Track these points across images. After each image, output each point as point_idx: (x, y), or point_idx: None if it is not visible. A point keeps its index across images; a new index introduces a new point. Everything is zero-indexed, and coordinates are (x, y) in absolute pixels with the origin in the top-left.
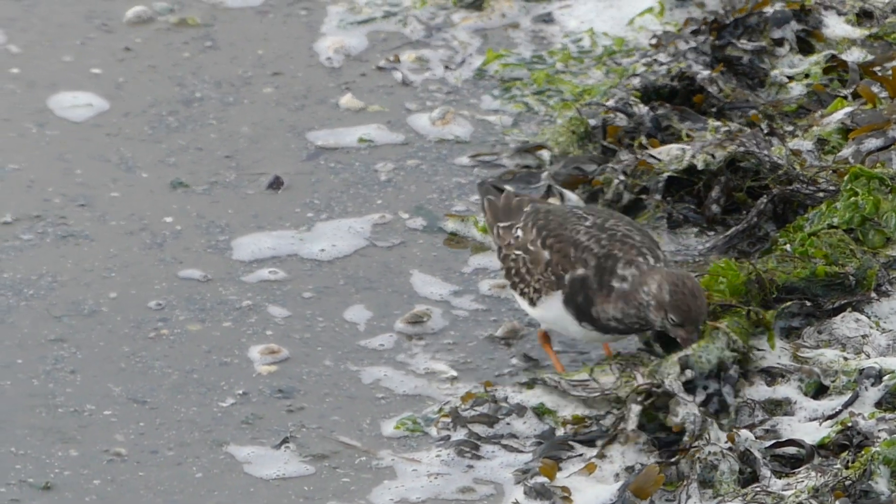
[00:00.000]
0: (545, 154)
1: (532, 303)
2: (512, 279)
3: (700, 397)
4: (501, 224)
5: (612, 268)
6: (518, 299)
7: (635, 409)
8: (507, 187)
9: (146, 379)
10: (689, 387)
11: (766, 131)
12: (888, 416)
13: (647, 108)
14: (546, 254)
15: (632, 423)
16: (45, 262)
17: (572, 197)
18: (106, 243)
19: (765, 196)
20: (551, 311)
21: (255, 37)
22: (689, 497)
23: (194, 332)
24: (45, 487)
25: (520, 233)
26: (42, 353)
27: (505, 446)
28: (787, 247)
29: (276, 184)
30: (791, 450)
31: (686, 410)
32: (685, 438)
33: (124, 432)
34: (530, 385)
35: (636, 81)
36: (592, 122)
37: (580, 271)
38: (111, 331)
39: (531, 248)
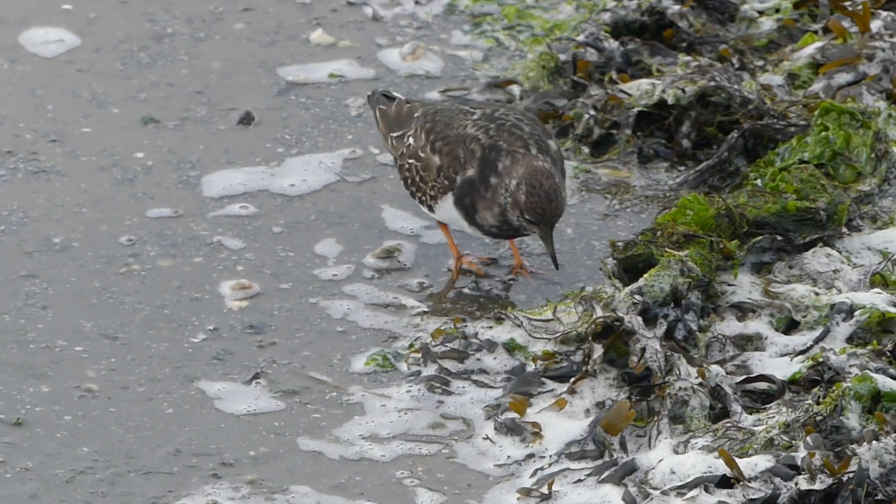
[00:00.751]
0: (515, 89)
1: (431, 210)
2: (409, 188)
3: (661, 329)
4: (394, 134)
5: (495, 162)
6: (420, 206)
7: (598, 348)
8: (398, 95)
9: (117, 314)
10: (650, 318)
11: (736, 66)
12: (859, 351)
13: (617, 42)
14: (436, 159)
15: (595, 362)
16: (17, 198)
17: None
18: (77, 179)
19: (735, 131)
20: (446, 213)
21: None
22: (659, 433)
23: (165, 267)
24: (17, 423)
25: (411, 140)
26: (13, 289)
27: (475, 382)
28: (758, 181)
29: (246, 119)
30: (762, 385)
31: (648, 346)
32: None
33: (95, 368)
34: (500, 320)
35: (606, 16)
36: (563, 57)
37: (469, 173)
38: (82, 266)
39: (422, 154)
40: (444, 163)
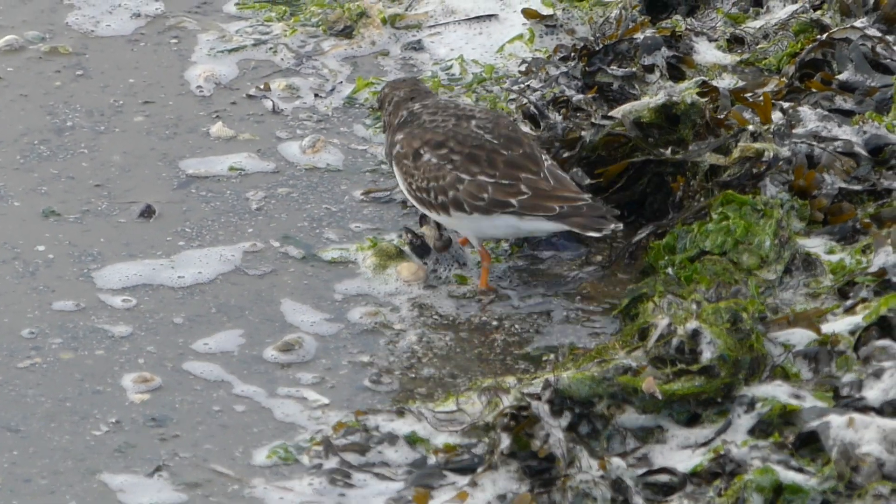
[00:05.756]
0: None
1: None
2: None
3: (566, 420)
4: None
5: None
6: None
7: (505, 438)
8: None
9: (19, 407)
10: (556, 410)
11: None
12: (761, 443)
13: None
14: None
15: (502, 452)
16: None
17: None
18: None
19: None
20: None
21: (126, 65)
22: None
23: (67, 360)
24: None
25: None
26: None
27: (377, 475)
28: (669, 271)
29: (147, 212)
30: (664, 478)
31: (552, 433)
32: (558, 466)
33: None
34: (401, 413)
35: (512, 107)
36: None
37: None
38: None
39: None
40: None
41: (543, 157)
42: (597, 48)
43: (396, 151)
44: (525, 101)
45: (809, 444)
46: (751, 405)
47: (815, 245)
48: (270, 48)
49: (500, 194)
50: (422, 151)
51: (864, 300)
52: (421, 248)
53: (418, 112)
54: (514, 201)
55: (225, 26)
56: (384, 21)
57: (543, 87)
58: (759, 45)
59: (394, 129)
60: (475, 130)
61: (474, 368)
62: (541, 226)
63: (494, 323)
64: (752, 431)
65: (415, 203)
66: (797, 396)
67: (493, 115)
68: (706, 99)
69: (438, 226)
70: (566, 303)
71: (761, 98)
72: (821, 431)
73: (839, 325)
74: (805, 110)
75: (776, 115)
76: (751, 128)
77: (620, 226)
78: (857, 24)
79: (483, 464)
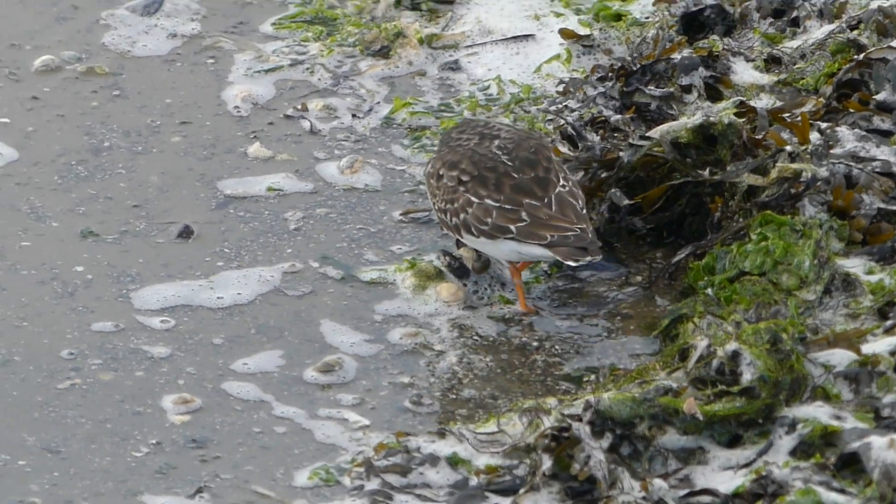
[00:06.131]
0: None
1: None
2: None
3: (607, 441)
4: None
5: None
6: None
7: (546, 459)
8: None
9: (60, 428)
10: (597, 431)
11: None
12: (802, 464)
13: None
14: None
15: (543, 473)
16: None
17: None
18: (17, 293)
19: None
20: None
21: (162, 85)
22: None
23: (107, 381)
24: None
25: None
26: None
27: (419, 496)
28: (709, 291)
29: (185, 233)
30: (705, 499)
31: (593, 454)
32: (599, 487)
33: (39, 482)
34: (443, 434)
35: (549, 127)
36: None
37: None
38: (24, 380)
39: None
40: None
41: (563, 179)
42: (634, 68)
43: (426, 171)
44: (562, 121)
45: (851, 465)
46: (792, 426)
47: (855, 265)
48: (307, 68)
49: (501, 220)
50: (441, 172)
51: None
52: (460, 270)
53: (455, 135)
54: (513, 227)
55: (262, 46)
56: (421, 41)
57: (581, 107)
58: (797, 65)
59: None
60: (493, 151)
61: (515, 389)
62: (536, 252)
63: (535, 344)
64: (793, 452)
65: (440, 223)
66: (838, 417)
67: (519, 135)
68: (743, 119)
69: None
70: (606, 323)
71: (799, 118)
72: (862, 452)
73: (879, 345)
74: (843, 130)
75: (814, 136)
76: (788, 148)
77: (599, 257)
78: (894, 44)
79: (524, 485)
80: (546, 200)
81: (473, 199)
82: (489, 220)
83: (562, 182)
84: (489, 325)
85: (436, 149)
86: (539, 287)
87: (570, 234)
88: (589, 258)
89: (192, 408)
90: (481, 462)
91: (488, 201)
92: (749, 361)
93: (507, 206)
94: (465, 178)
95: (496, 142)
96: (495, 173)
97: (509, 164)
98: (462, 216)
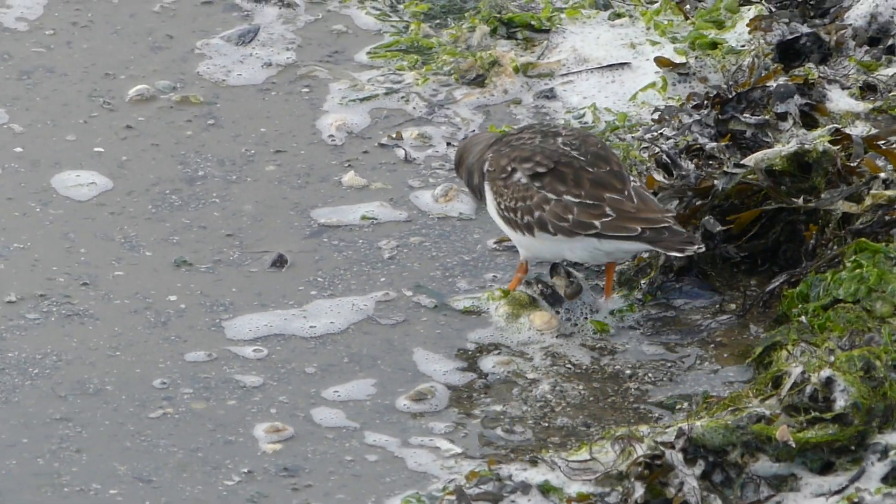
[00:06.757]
0: None
1: None
2: None
3: (699, 469)
4: None
5: None
6: None
7: (639, 487)
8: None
9: (151, 458)
10: (690, 459)
11: None
12: (894, 490)
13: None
14: None
15: (636, 501)
16: (50, 342)
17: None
18: (110, 322)
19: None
20: None
21: (257, 114)
22: None
23: (199, 410)
24: None
25: None
26: (47, 432)
27: None
28: (803, 319)
29: (279, 262)
30: None
31: (686, 481)
32: None
33: None
34: (534, 462)
35: (645, 155)
36: None
37: None
38: (116, 409)
39: None
40: None
41: (630, 177)
42: (729, 96)
43: (486, 169)
44: (657, 149)
45: None
46: (884, 453)
47: None
48: (402, 97)
49: (584, 216)
50: (509, 168)
51: None
52: (552, 297)
53: (505, 140)
54: (597, 223)
55: (357, 75)
56: (516, 69)
57: (676, 134)
58: (892, 93)
59: (480, 161)
60: (561, 147)
61: (608, 417)
62: (625, 247)
63: (628, 371)
64: (885, 479)
65: (501, 224)
66: None
67: (579, 132)
68: (838, 147)
69: (568, 274)
70: (700, 351)
71: (894, 145)
72: None
73: None
74: None
75: None
76: (883, 175)
77: (703, 247)
78: None
79: None
80: (626, 194)
81: (551, 195)
82: (570, 216)
83: (631, 177)
84: (582, 353)
85: (480, 155)
86: (633, 315)
87: (662, 225)
88: (695, 247)
89: (284, 436)
90: (573, 490)
91: (568, 197)
92: (843, 388)
93: (588, 202)
94: (541, 171)
95: (559, 139)
96: (572, 168)
97: (581, 158)
98: (537, 213)
